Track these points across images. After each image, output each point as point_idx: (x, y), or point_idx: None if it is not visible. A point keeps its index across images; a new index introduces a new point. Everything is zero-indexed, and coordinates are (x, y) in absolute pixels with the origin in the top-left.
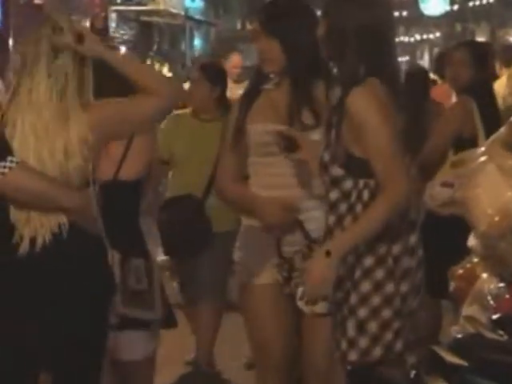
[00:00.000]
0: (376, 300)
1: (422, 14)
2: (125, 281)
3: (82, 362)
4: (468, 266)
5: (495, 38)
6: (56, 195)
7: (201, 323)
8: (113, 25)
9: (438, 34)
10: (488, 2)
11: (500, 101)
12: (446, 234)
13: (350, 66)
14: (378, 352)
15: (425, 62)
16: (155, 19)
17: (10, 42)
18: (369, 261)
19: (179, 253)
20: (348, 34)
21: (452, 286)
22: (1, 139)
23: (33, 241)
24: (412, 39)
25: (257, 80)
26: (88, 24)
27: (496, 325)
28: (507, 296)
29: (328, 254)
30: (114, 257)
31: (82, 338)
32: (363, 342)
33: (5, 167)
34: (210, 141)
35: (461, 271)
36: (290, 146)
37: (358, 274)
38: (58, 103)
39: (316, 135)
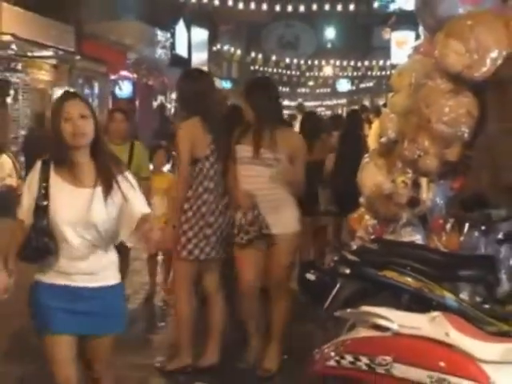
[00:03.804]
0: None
1: (337, 90)
2: None
3: None
4: (359, 212)
5: (373, 102)
6: None
7: None
8: None
9: (344, 100)
10: (369, 86)
11: (376, 138)
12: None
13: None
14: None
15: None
16: None
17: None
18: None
19: None
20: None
21: (350, 223)
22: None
23: None
24: (332, 103)
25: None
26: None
27: (373, 241)
28: (378, 227)
29: None
30: None
31: None
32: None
33: None
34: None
35: (355, 215)
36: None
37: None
38: None
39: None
